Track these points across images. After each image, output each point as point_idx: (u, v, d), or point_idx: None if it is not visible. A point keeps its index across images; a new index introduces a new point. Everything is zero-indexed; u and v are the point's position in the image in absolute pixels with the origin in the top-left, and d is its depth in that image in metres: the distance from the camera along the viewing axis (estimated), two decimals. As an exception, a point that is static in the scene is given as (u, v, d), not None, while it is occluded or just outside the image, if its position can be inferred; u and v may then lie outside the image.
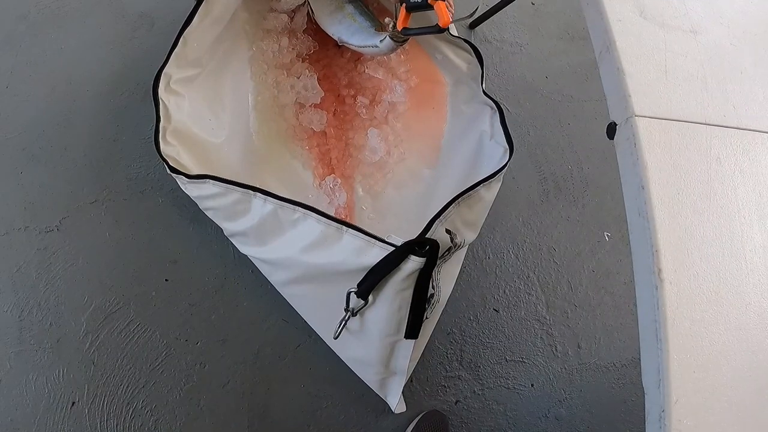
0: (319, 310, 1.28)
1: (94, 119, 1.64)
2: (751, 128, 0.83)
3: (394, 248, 1.01)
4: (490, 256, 1.55)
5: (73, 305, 1.40)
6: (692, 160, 0.77)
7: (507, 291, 1.55)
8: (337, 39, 1.30)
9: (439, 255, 1.04)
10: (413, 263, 1.01)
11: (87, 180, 1.55)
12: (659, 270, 0.68)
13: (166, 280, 1.43)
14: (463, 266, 1.49)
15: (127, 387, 1.34)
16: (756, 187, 0.79)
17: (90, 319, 1.38)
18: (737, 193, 0.77)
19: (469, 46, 1.43)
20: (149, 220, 1.49)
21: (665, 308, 0.66)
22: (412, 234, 1.06)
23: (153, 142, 1.24)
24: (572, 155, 1.73)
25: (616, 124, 0.79)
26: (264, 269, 1.29)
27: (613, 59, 0.80)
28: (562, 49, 1.91)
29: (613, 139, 0.79)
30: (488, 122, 1.39)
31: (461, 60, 1.47)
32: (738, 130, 0.82)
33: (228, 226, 1.25)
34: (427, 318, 1.12)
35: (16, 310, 1.39)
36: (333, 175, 1.36)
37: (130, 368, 1.35)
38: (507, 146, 1.29)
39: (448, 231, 1.10)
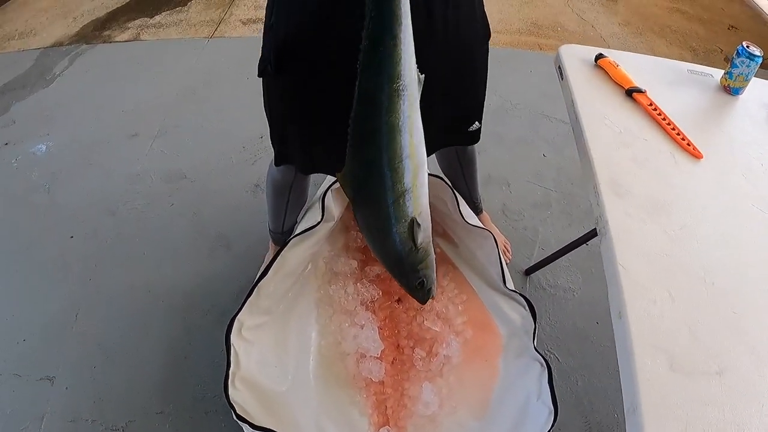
0: None
1: (168, 331, 1.88)
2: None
3: None
4: None
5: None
6: None
7: None
8: None
9: None
10: None
11: (156, 390, 1.75)
12: None
13: (216, 503, 1.59)
14: None
15: None
16: None
17: None
18: None
19: (522, 299, 1.61)
20: (209, 442, 1.67)
21: None
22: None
23: (223, 382, 1.39)
24: (619, 404, 1.75)
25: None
26: None
27: (637, 422, 0.88)
28: (613, 290, 2.09)
29: None
30: (536, 380, 1.50)
31: (515, 313, 1.64)
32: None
33: (281, 475, 1.42)
34: None
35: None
36: (387, 426, 1.53)
37: None
38: (552, 408, 1.41)
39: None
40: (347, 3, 1.11)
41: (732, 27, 3.82)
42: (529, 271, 2.09)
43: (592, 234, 1.83)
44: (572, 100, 1.37)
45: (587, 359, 1.90)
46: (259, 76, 1.29)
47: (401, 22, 1.03)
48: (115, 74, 3.03)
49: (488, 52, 1.43)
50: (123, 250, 2.11)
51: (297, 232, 1.56)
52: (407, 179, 1.17)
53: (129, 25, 3.45)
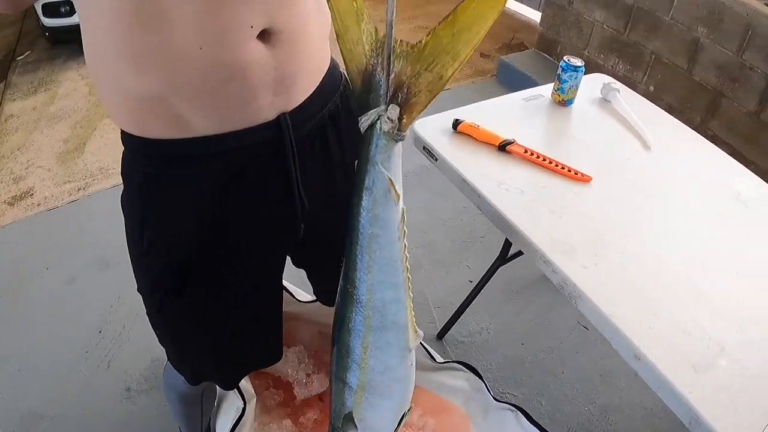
0: None
1: None
2: None
3: None
4: None
5: None
6: None
7: None
8: None
9: None
10: None
11: None
12: None
13: None
14: None
15: None
16: None
17: None
18: None
19: (458, 365, 1.61)
20: None
21: None
22: None
23: None
24: (583, 397, 1.90)
25: None
26: None
27: (705, 427, 0.93)
28: (517, 309, 2.17)
29: None
30: (517, 426, 1.52)
31: (460, 380, 1.62)
32: None
33: None
34: None
35: None
36: None
37: None
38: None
39: None
40: (252, 183, 0.92)
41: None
42: (440, 335, 2.07)
43: (485, 279, 1.91)
44: (463, 179, 1.35)
45: (535, 378, 1.96)
46: (158, 310, 1.03)
47: (355, 238, 0.88)
48: None
49: None
50: None
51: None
52: (351, 377, 1.03)
53: None
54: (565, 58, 1.54)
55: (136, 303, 1.06)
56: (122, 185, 0.95)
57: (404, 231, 0.87)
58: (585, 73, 1.57)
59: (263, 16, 0.76)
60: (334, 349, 1.04)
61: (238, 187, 0.90)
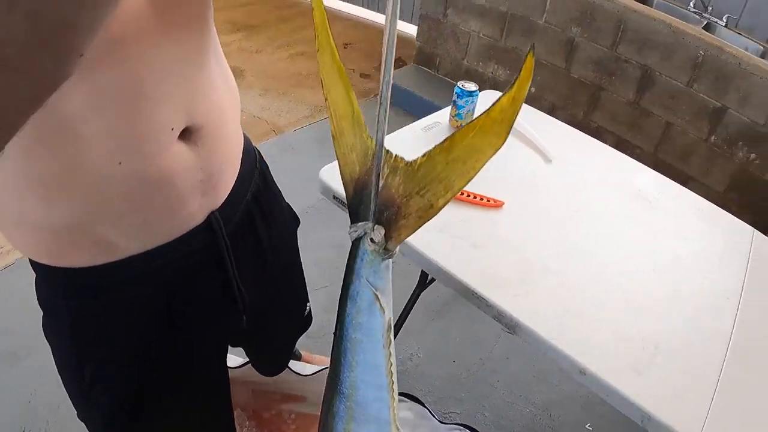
0: None
1: None
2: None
3: None
4: None
5: None
6: None
7: None
8: None
9: None
10: None
11: None
12: None
13: None
14: None
15: None
16: None
17: None
18: None
19: (402, 397, 1.60)
20: None
21: None
22: None
23: None
24: (522, 400, 1.97)
25: None
26: None
27: (657, 423, 0.98)
28: (441, 328, 2.20)
29: None
30: None
31: (402, 411, 1.60)
32: None
33: None
34: None
35: None
36: None
37: None
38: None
39: None
40: (188, 291, 0.85)
41: (347, 45, 4.16)
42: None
43: (408, 308, 1.95)
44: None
45: (474, 392, 1.99)
46: None
47: (339, 338, 0.81)
48: None
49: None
50: None
51: None
52: None
53: None
54: (459, 84, 1.54)
55: (54, 395, 0.96)
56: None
57: (390, 339, 0.82)
58: (468, 82, 1.58)
59: (182, 114, 0.68)
60: (321, 422, 1.02)
61: (175, 298, 0.83)
